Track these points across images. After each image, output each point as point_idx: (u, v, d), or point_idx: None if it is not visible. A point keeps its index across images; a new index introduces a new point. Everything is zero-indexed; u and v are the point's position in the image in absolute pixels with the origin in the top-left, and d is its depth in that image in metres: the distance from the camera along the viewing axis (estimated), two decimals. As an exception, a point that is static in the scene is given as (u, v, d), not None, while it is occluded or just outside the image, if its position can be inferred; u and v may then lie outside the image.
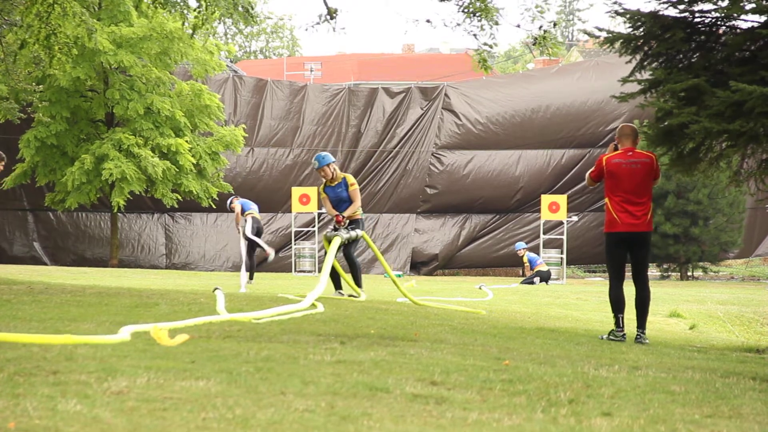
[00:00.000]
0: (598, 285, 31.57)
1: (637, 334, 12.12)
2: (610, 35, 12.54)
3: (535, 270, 33.72)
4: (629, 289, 12.21)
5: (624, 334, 12.16)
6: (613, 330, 12.27)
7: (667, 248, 40.17)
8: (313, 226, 39.62)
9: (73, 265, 38.22)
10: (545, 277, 33.47)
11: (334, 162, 17.43)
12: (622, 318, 12.24)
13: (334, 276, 17.09)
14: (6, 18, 22.19)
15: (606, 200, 12.29)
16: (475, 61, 17.17)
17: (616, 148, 12.33)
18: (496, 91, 42.87)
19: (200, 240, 41.22)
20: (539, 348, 9.99)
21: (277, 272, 36.73)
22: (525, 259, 34.52)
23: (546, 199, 37.29)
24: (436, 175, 42.42)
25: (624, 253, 12.31)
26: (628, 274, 12.61)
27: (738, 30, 12.10)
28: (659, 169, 12.34)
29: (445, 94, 42.46)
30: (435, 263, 42.58)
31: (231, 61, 50.80)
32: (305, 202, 36.86)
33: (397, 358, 7.82)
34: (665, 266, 42.96)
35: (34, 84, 32.07)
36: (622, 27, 13.06)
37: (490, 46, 17.01)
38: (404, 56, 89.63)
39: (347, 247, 17.30)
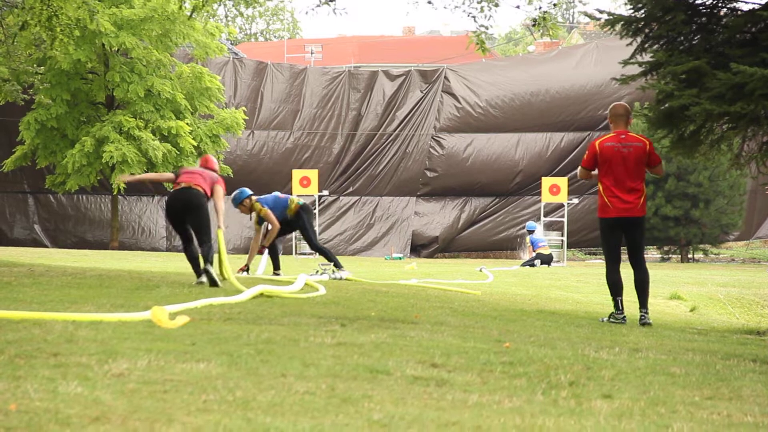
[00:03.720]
0: (599, 267, 31.56)
1: (641, 315, 12.05)
2: (611, 17, 12.52)
3: (536, 252, 33.58)
4: (627, 272, 12.18)
5: (624, 317, 12.11)
6: (613, 313, 12.21)
7: (667, 231, 40.18)
8: (314, 209, 39.60)
9: (74, 247, 38.27)
10: (546, 260, 33.31)
11: (249, 196, 17.84)
12: (621, 301, 12.19)
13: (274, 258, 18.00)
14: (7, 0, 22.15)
15: (599, 185, 12.11)
16: (471, 41, 17.11)
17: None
18: (496, 74, 42.84)
19: (201, 223, 41.17)
20: (540, 330, 9.99)
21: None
22: (527, 240, 34.38)
23: (547, 182, 37.26)
24: (435, 158, 42.41)
25: (619, 236, 12.18)
26: (625, 256, 12.57)
27: (739, 12, 12.10)
28: (656, 154, 12.04)
29: (445, 77, 42.44)
30: (435, 246, 42.59)
31: (231, 44, 50.72)
32: (306, 184, 36.79)
33: (398, 341, 7.83)
34: (666, 249, 42.97)
35: (35, 66, 32.05)
36: (622, 9, 13.07)
37: (487, 28, 16.99)
38: (405, 38, 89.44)
39: (309, 241, 17.80)
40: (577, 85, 42.23)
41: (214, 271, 13.40)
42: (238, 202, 17.69)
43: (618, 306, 12.13)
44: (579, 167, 12.34)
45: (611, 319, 12.12)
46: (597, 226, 12.56)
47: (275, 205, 17.90)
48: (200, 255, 13.71)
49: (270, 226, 17.80)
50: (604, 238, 12.22)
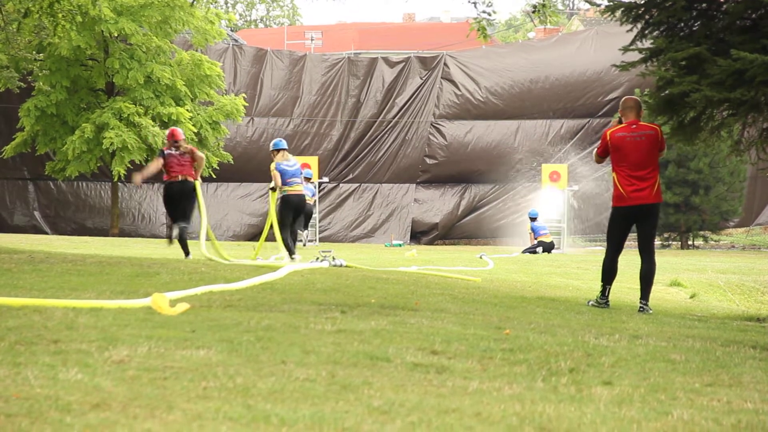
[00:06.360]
0: (599, 255, 31.53)
1: (641, 306, 12.08)
2: (611, 3, 12.49)
3: (538, 240, 33.46)
4: (628, 258, 12.19)
5: (607, 302, 12.25)
6: (597, 298, 12.36)
7: (667, 217, 40.17)
8: (314, 196, 39.53)
9: (74, 234, 38.26)
10: (548, 248, 33.20)
11: (280, 149, 20.13)
12: (609, 289, 12.29)
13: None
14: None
15: (613, 174, 12.18)
16: (473, 28, 17.04)
17: (620, 122, 12.21)
18: (496, 61, 42.84)
19: (200, 210, 41.21)
20: (540, 317, 9.99)
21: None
22: (528, 226, 34.28)
23: (547, 168, 37.24)
24: (435, 145, 42.42)
25: (628, 227, 12.22)
26: (626, 246, 12.58)
27: (739, -2, 12.06)
28: (664, 140, 12.23)
29: (445, 64, 42.44)
30: (435, 233, 42.62)
31: (231, 30, 50.69)
32: (306, 171, 36.74)
33: (398, 328, 7.82)
34: (666, 235, 42.97)
35: (34, 53, 32.05)
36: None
37: (489, 14, 16.91)
38: (405, 25, 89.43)
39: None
40: (577, 71, 42.22)
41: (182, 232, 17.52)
42: (271, 149, 20.12)
43: (604, 293, 12.27)
44: (594, 152, 12.65)
45: (594, 303, 12.25)
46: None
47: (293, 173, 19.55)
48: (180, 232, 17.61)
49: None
50: (613, 225, 12.25)
